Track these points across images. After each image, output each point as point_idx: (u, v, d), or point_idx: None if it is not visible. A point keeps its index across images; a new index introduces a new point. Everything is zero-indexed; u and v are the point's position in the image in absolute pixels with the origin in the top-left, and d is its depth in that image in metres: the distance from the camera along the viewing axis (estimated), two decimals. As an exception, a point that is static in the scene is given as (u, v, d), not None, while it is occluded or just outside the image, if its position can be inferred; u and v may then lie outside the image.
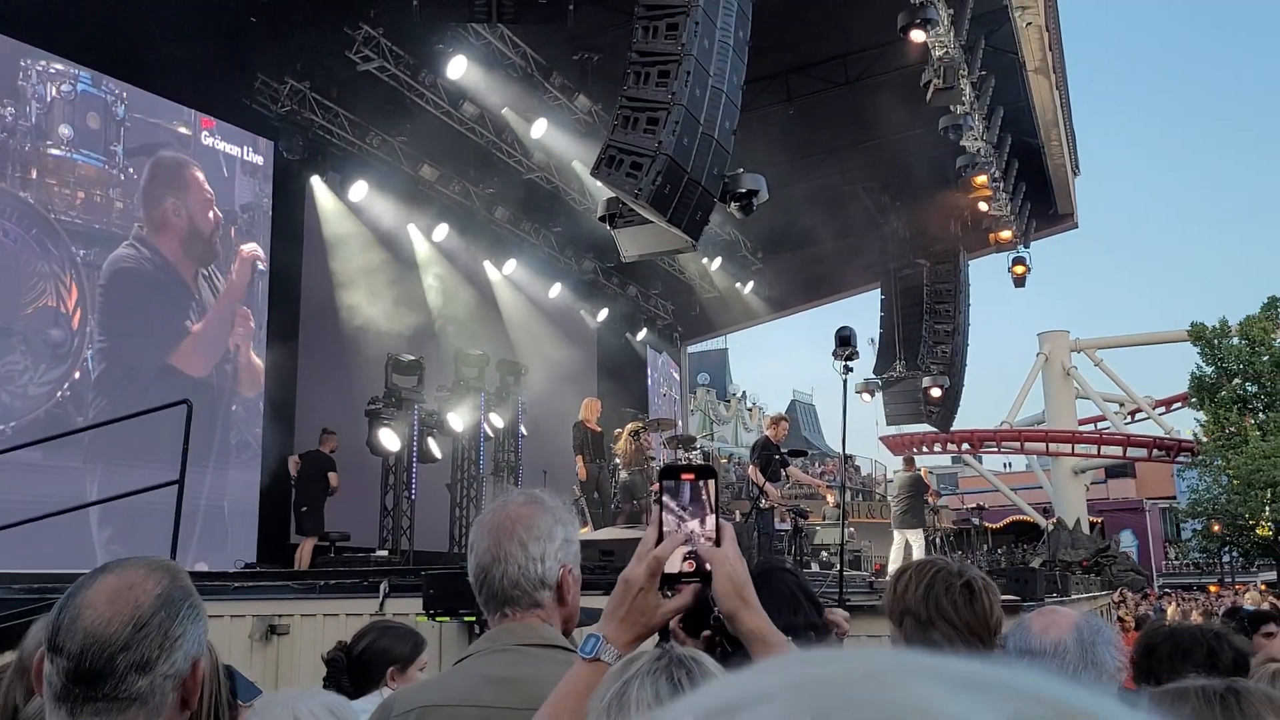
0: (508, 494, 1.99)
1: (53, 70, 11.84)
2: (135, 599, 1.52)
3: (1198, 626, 2.69)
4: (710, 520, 1.47)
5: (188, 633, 1.55)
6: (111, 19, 11.78)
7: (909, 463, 15.11)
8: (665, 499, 1.48)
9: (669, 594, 1.50)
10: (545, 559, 1.88)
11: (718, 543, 1.47)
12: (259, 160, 14.22)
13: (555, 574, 1.90)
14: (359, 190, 15.12)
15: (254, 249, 14.00)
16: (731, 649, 1.53)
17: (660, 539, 1.48)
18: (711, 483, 1.48)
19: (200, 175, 13.34)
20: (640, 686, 1.27)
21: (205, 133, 13.53)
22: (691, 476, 1.48)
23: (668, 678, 1.28)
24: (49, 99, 11.74)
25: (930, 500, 14.21)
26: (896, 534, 14.24)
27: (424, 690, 2.01)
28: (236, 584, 7.88)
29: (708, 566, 1.46)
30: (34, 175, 11.52)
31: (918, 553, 13.45)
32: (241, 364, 13.71)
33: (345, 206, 15.30)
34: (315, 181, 14.92)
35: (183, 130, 13.27)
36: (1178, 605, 22.06)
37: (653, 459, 14.03)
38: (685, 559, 1.47)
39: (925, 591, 2.52)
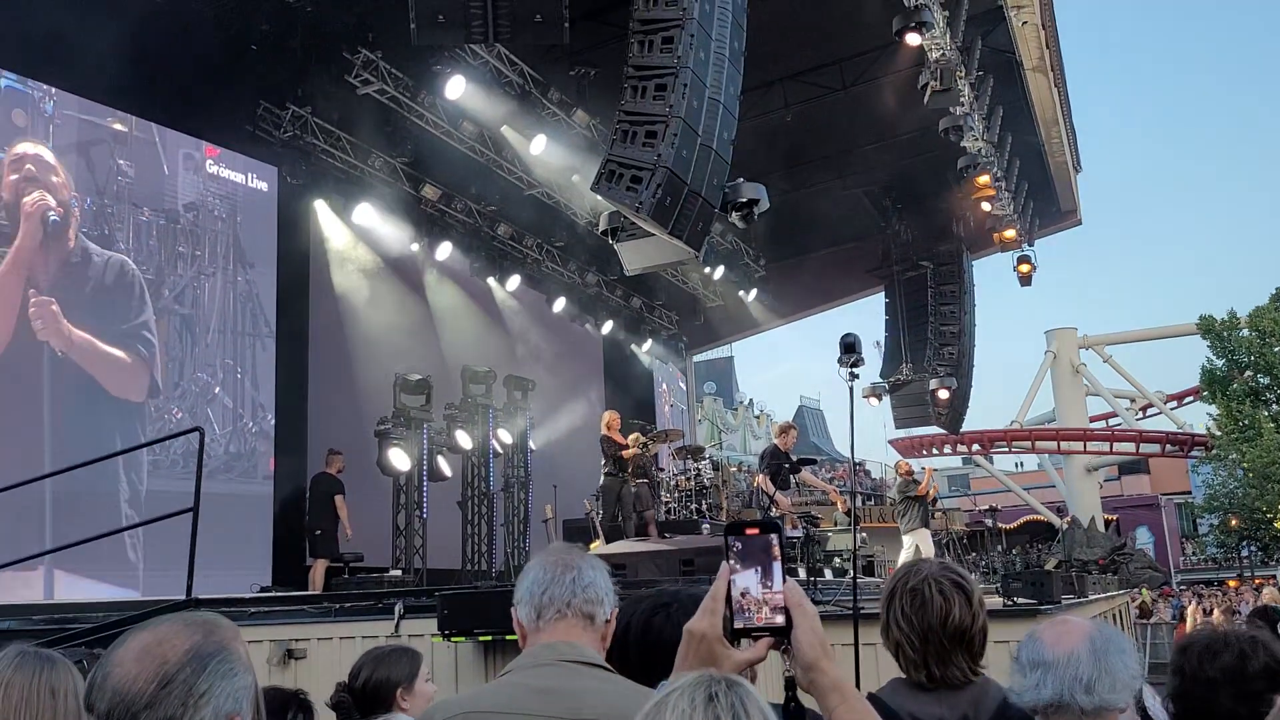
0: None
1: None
2: (163, 655, 1.52)
3: (1234, 630, 2.68)
4: (776, 574, 1.52)
5: (215, 688, 1.53)
6: (112, 51, 11.85)
7: (900, 466, 15.42)
8: (731, 553, 1.54)
9: (740, 646, 1.54)
10: (608, 589, 2.05)
11: (786, 597, 1.52)
12: (264, 186, 14.31)
13: (611, 605, 2.05)
14: (363, 212, 15.19)
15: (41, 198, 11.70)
16: (802, 707, 1.54)
17: (728, 594, 1.53)
18: (775, 536, 1.54)
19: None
20: (679, 696, 1.29)
21: (210, 161, 13.61)
22: (756, 531, 1.55)
23: (705, 690, 1.29)
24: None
25: (920, 495, 14.16)
26: (905, 538, 14.29)
27: (465, 699, 2.03)
28: (253, 609, 7.90)
29: (779, 620, 1.51)
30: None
31: (926, 554, 13.42)
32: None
33: (349, 229, 15.39)
34: (319, 205, 15.00)
35: (118, 127, 12.64)
36: (1198, 603, 21.73)
37: (661, 470, 14.04)
38: (759, 612, 1.52)
39: (913, 606, 2.31)
